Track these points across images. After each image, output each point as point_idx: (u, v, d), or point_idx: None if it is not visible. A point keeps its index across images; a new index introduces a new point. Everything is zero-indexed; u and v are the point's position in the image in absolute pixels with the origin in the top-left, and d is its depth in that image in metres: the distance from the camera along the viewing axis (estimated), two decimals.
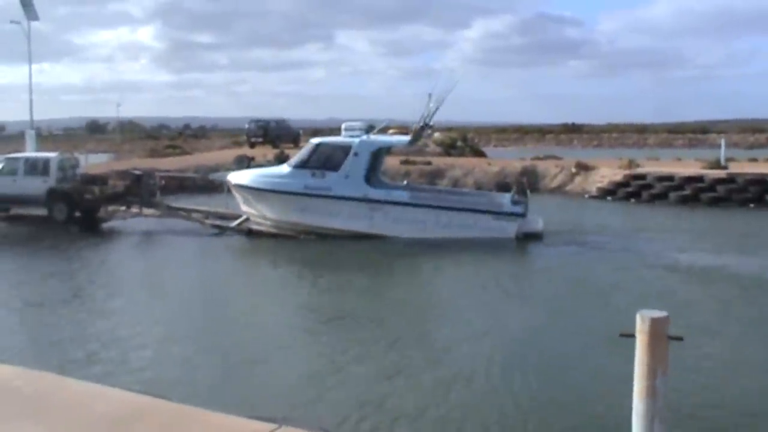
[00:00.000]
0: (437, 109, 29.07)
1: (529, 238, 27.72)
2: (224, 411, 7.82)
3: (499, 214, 27.79)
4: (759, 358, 14.25)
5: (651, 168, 44.54)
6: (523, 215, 27.91)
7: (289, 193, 28.65)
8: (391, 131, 33.43)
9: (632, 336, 6.48)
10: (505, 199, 28.77)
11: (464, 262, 24.76)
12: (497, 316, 18.10)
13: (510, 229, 27.49)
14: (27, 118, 50.24)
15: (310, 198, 28.39)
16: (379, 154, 30.12)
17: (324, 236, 27.99)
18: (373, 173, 29.76)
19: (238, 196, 30.56)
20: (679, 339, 6.47)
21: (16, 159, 32.61)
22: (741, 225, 32.18)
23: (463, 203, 28.92)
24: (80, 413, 7.66)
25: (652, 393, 6.38)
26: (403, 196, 28.84)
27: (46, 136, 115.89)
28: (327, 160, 28.77)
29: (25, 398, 7.96)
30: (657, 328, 6.35)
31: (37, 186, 30.81)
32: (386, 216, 27.99)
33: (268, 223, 29.40)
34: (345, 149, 28.65)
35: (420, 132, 30.07)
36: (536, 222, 28.74)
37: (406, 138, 30.66)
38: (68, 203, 31.11)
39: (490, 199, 30.07)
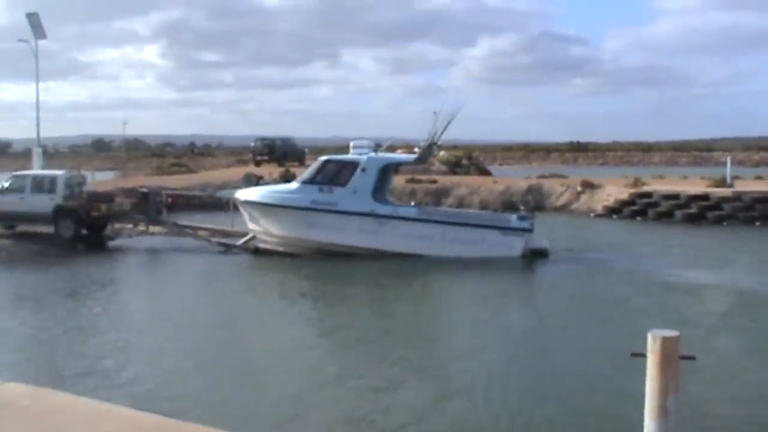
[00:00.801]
0: (445, 128, 29.10)
1: (536, 255, 27.70)
2: (232, 430, 7.80)
3: (506, 229, 27.75)
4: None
5: (657, 186, 44.51)
6: (530, 230, 27.87)
7: (296, 208, 28.67)
8: (399, 150, 33.48)
9: (643, 356, 6.45)
10: (512, 216, 28.74)
11: (472, 279, 24.80)
12: (504, 333, 18.07)
13: (517, 244, 27.44)
14: (33, 135, 50.18)
15: (317, 213, 28.41)
16: (387, 171, 30.13)
17: (330, 254, 27.96)
18: (381, 192, 29.80)
19: (245, 214, 30.58)
20: (692, 358, 6.45)
21: (23, 176, 32.66)
22: (747, 243, 32.08)
23: (470, 218, 28.94)
24: (88, 431, 7.64)
25: (663, 413, 6.35)
26: (410, 211, 28.91)
27: (52, 154, 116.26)
28: (335, 175, 28.79)
29: (33, 416, 7.93)
30: (668, 348, 6.33)
31: (44, 203, 30.84)
32: (393, 231, 27.96)
33: (275, 240, 29.37)
34: (353, 165, 28.70)
35: (428, 150, 30.11)
36: (542, 239, 28.69)
37: (413, 156, 30.71)
38: (75, 221, 31.16)
39: (497, 216, 30.04)
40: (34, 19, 48.76)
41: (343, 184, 28.42)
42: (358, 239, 28.12)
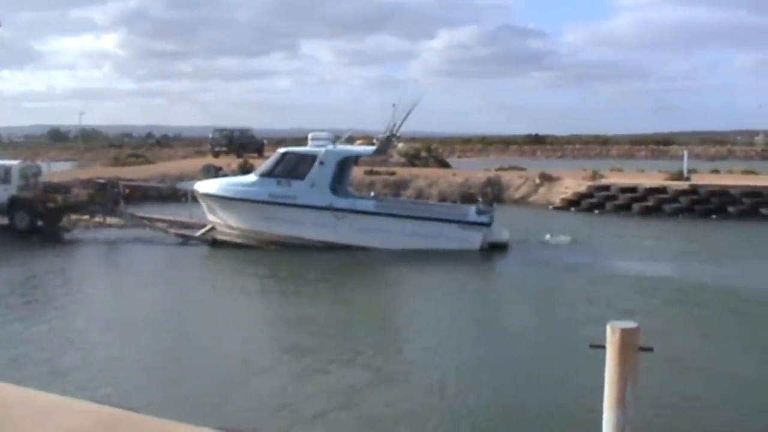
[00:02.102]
0: (404, 120, 29.10)
1: (495, 248, 27.78)
2: (191, 422, 7.75)
3: (464, 223, 27.81)
4: (726, 366, 14.38)
5: (615, 179, 44.86)
6: (488, 225, 27.93)
7: (254, 201, 28.57)
8: (358, 142, 33.42)
9: (602, 347, 6.48)
10: (470, 209, 28.79)
11: (428, 271, 24.85)
12: (461, 325, 18.22)
13: (475, 238, 27.54)
14: None
15: (275, 206, 28.36)
16: (345, 164, 30.08)
17: (288, 246, 27.91)
18: (340, 184, 29.79)
19: (203, 205, 30.44)
20: (649, 350, 6.48)
21: None
22: (704, 235, 32.41)
23: (428, 212, 28.88)
24: (46, 425, 7.57)
25: (622, 403, 6.38)
26: (368, 205, 28.85)
27: (6, 144, 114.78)
28: (293, 169, 28.74)
29: None
30: (627, 339, 6.36)
31: None
32: (351, 225, 27.95)
33: (234, 232, 29.26)
34: (311, 158, 28.62)
35: (387, 142, 30.10)
36: (501, 232, 28.75)
37: (372, 148, 30.66)
38: (30, 212, 30.77)
39: (456, 209, 30.00)
40: None
41: (302, 177, 28.38)
42: (316, 233, 28.09)
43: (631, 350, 6.38)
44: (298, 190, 28.28)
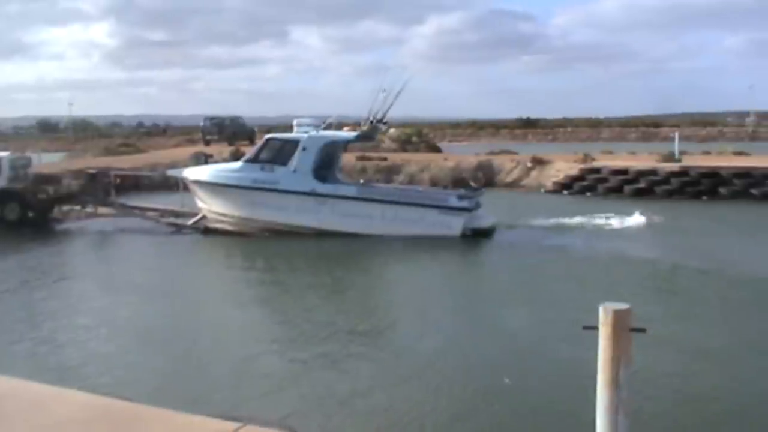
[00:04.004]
0: (390, 105, 29.09)
1: (479, 234, 27.64)
2: (187, 410, 7.75)
3: (444, 208, 27.70)
4: (720, 348, 14.45)
5: (606, 162, 45.06)
6: (469, 210, 27.82)
7: (238, 187, 28.68)
8: (346, 128, 33.35)
9: (595, 328, 6.49)
10: (451, 195, 28.77)
11: (413, 258, 25.02)
12: (451, 313, 18.21)
13: (456, 224, 27.40)
14: None
15: (258, 192, 28.47)
16: (332, 150, 30.08)
17: (278, 233, 27.96)
18: (329, 170, 29.79)
19: (193, 193, 30.46)
20: (642, 331, 6.49)
21: None
22: (695, 217, 32.44)
23: (408, 198, 28.76)
24: (38, 416, 7.55)
25: (615, 384, 6.39)
26: (350, 190, 28.90)
27: None
28: (276, 154, 28.82)
29: None
30: (620, 320, 6.37)
31: None
32: (333, 210, 27.99)
33: (224, 220, 29.28)
34: (294, 144, 28.68)
35: (374, 128, 30.05)
36: (485, 218, 28.63)
37: (354, 134, 30.63)
38: (21, 203, 30.70)
39: (437, 194, 29.98)
40: None
41: (285, 163, 28.42)
42: (298, 218, 28.15)
43: (623, 331, 6.39)
44: (280, 175, 28.36)
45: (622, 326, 6.38)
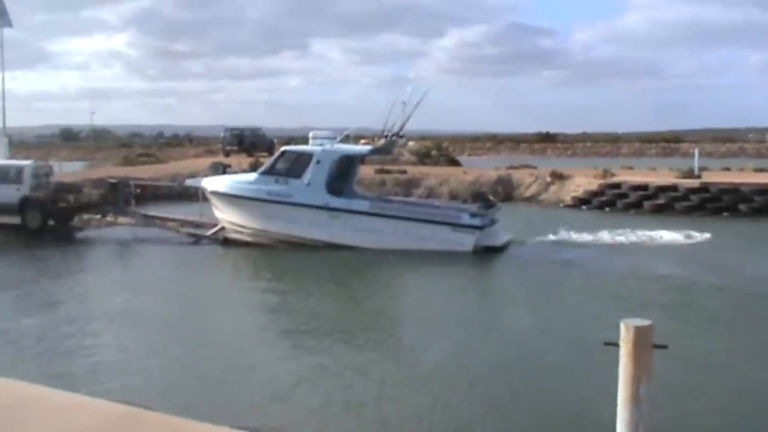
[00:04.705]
0: (408, 119, 29.08)
1: (490, 251, 27.43)
2: (209, 421, 7.78)
3: (456, 225, 27.56)
4: (739, 364, 14.36)
5: (626, 177, 44.77)
6: (481, 228, 27.64)
7: (252, 199, 28.74)
8: (363, 141, 33.38)
9: (616, 345, 6.48)
10: (464, 212, 28.62)
11: (425, 274, 24.96)
12: (468, 329, 18.11)
13: (467, 241, 27.28)
14: None
15: (272, 204, 28.51)
16: (346, 162, 30.10)
17: (295, 245, 27.97)
18: (345, 183, 29.91)
19: (211, 203, 30.56)
20: (664, 347, 6.49)
21: None
22: (715, 233, 32.24)
23: (420, 214, 28.60)
24: (59, 423, 7.60)
25: (636, 400, 6.39)
26: (362, 205, 28.77)
27: (18, 144, 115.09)
28: (291, 167, 28.87)
29: (4, 409, 7.88)
30: (641, 337, 6.37)
31: (10, 194, 30.48)
32: (345, 225, 28.00)
33: (243, 231, 29.32)
34: (308, 157, 28.73)
35: (391, 142, 30.02)
36: (499, 235, 28.53)
37: (368, 147, 30.63)
38: (42, 212, 30.85)
39: (449, 210, 29.73)
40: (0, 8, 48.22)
41: (299, 176, 28.45)
42: (311, 231, 28.20)
43: (645, 347, 6.38)
44: (294, 188, 28.42)
45: (644, 342, 6.38)
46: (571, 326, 17.22)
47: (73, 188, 33.78)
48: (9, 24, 49.68)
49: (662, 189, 40.75)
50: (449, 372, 13.98)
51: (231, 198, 29.42)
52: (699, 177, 43.24)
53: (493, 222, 28.31)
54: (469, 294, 22.81)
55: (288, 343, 16.56)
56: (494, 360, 14.87)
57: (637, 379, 6.37)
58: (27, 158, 40.20)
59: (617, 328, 6.65)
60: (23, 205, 30.60)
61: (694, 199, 39.56)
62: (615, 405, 6.67)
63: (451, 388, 12.98)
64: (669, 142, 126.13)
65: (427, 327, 17.78)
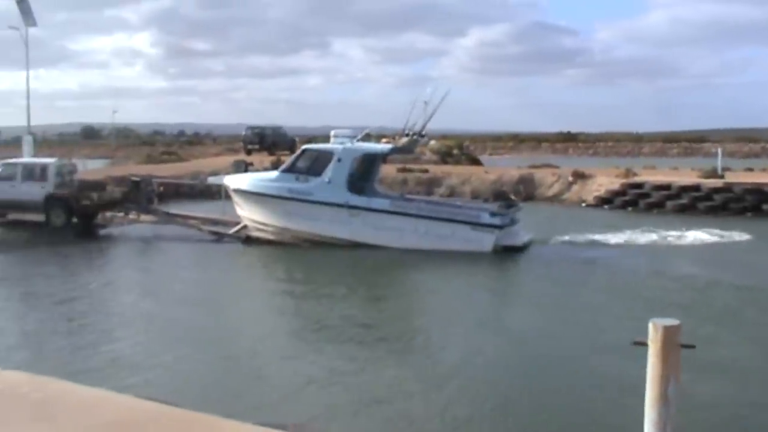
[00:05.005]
0: (430, 118, 29.11)
1: (510, 251, 27.29)
2: (234, 417, 7.81)
3: (476, 224, 27.45)
4: (763, 366, 14.31)
5: (648, 177, 44.66)
6: (500, 227, 27.51)
7: (274, 196, 28.82)
8: (384, 140, 33.41)
9: (645, 344, 6.48)
10: (484, 211, 28.54)
11: (446, 273, 24.86)
12: (491, 329, 18.10)
13: (487, 240, 27.15)
14: (21, 123, 50.18)
15: (293, 202, 28.58)
16: (367, 161, 30.24)
17: (317, 244, 28.02)
18: (366, 181, 30.01)
19: (233, 200, 30.68)
20: (692, 347, 6.48)
21: (14, 165, 32.56)
22: (738, 233, 32.07)
23: (440, 213, 28.52)
24: (88, 419, 7.63)
25: (664, 400, 6.38)
26: (382, 203, 28.79)
27: (41, 142, 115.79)
28: (312, 165, 28.94)
29: (32, 404, 7.93)
30: (669, 337, 6.36)
31: (35, 192, 30.75)
32: (365, 223, 28.00)
33: (264, 228, 29.40)
34: (329, 155, 28.79)
35: (413, 141, 29.97)
36: (520, 235, 28.40)
37: (389, 146, 30.64)
38: (66, 209, 31.10)
39: (469, 209, 29.56)
40: (24, 6, 48.67)
41: (319, 174, 28.50)
42: (331, 229, 28.22)
43: (673, 347, 6.37)
44: (315, 186, 28.47)
45: (672, 342, 6.37)
46: (592, 326, 17.19)
47: (97, 186, 33.98)
48: (34, 23, 50.20)
49: (685, 189, 40.61)
50: (470, 371, 13.97)
51: (252, 195, 29.52)
52: (722, 177, 43.08)
53: (513, 221, 28.24)
54: (488, 293, 22.78)
55: (307, 340, 16.58)
56: (514, 359, 14.87)
57: (665, 379, 6.36)
58: (50, 156, 40.54)
59: (638, 328, 6.67)
60: (48, 203, 30.86)
61: (718, 198, 39.39)
62: (642, 405, 6.67)
63: (472, 388, 12.98)
64: (691, 142, 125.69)
65: (447, 326, 17.75)
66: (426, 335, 17.43)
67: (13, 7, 48.73)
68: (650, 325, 6.47)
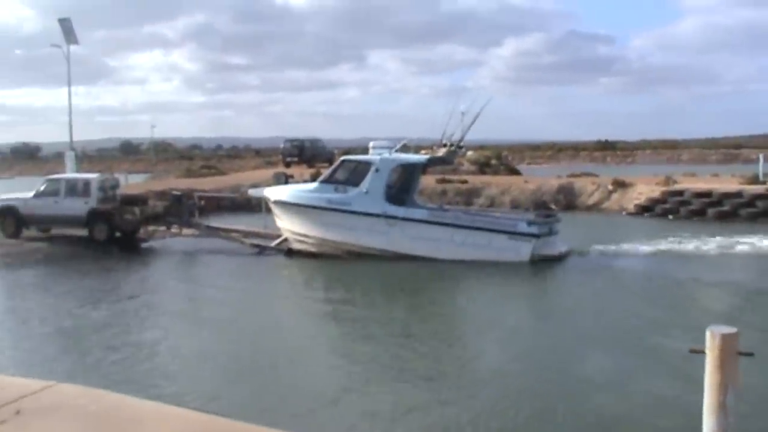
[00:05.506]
0: (469, 128, 29.05)
1: (551, 260, 27.06)
2: (288, 429, 7.84)
3: (513, 234, 27.29)
4: None
5: (688, 184, 44.27)
6: (538, 236, 27.32)
7: (312, 207, 28.95)
8: (423, 151, 33.37)
9: (702, 352, 6.45)
10: (521, 220, 28.41)
11: (481, 280, 24.85)
12: (540, 339, 18.02)
13: (524, 250, 26.96)
14: (61, 139, 50.91)
15: (331, 212, 28.64)
16: (406, 171, 30.37)
17: (360, 256, 28.08)
18: (406, 192, 30.16)
19: (273, 212, 30.82)
20: (750, 355, 6.44)
21: (58, 180, 32.85)
22: None
23: (477, 222, 28.40)
24: (139, 431, 7.70)
25: (722, 409, 6.34)
26: (419, 213, 28.77)
27: (81, 157, 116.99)
28: (350, 175, 29.02)
29: (89, 416, 8.01)
30: (727, 344, 6.33)
31: (78, 207, 31.05)
32: (402, 233, 27.95)
33: (304, 240, 29.50)
34: (367, 165, 28.85)
35: (452, 153, 29.90)
36: (558, 245, 28.15)
37: (426, 156, 30.59)
38: (109, 224, 31.36)
39: (507, 219, 29.47)
40: (66, 25, 49.28)
41: (357, 184, 28.57)
42: (368, 240, 28.25)
43: (731, 355, 6.34)
44: (353, 196, 28.52)
45: (730, 350, 6.34)
46: (631, 333, 17.05)
47: (139, 200, 34.24)
48: (75, 41, 50.82)
49: (726, 196, 40.19)
50: (507, 380, 14.00)
51: (291, 206, 29.64)
52: (764, 183, 42.64)
53: (552, 231, 28.01)
54: (525, 302, 22.68)
55: (345, 350, 16.74)
56: (553, 370, 14.72)
57: (723, 387, 6.33)
58: (90, 171, 40.93)
59: (680, 336, 6.64)
60: (91, 218, 31.14)
61: (760, 205, 38.91)
62: (699, 414, 6.63)
63: (510, 397, 12.94)
64: (730, 149, 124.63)
65: (485, 335, 17.74)
66: (463, 344, 17.47)
67: (55, 26, 49.40)
68: (707, 333, 6.44)
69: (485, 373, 14.60)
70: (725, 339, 6.32)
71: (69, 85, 51.08)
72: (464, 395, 13.13)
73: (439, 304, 22.86)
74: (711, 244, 29.88)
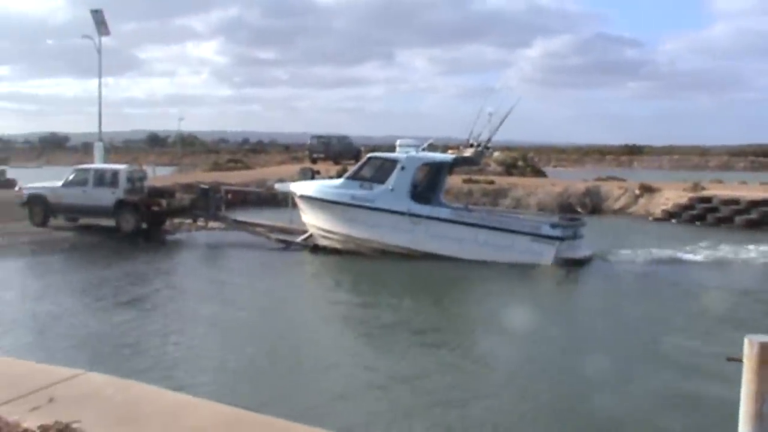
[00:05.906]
0: (497, 129, 28.97)
1: (571, 264, 26.75)
2: (313, 424, 7.83)
3: (536, 236, 27.08)
4: None
5: (716, 191, 44.03)
6: (562, 239, 27.09)
7: (336, 203, 28.97)
8: (450, 151, 33.31)
9: (740, 360, 6.37)
10: (545, 223, 28.30)
11: (503, 282, 24.79)
12: (568, 344, 17.91)
13: (547, 252, 26.72)
14: (90, 130, 51.14)
15: (355, 209, 28.62)
16: (432, 170, 30.38)
17: (385, 253, 28.04)
18: (432, 192, 30.14)
19: (299, 207, 30.85)
20: None
21: (86, 170, 33.01)
22: None
23: (501, 223, 28.29)
24: (171, 423, 7.74)
25: (759, 418, 6.25)
26: (443, 212, 28.69)
27: (108, 148, 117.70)
28: (376, 173, 28.99)
29: (116, 406, 8.05)
30: (765, 353, 6.23)
31: (106, 197, 31.21)
32: (426, 231, 27.86)
33: (328, 236, 29.50)
34: (393, 163, 28.80)
35: (479, 153, 29.81)
36: (582, 248, 27.91)
37: (452, 156, 30.50)
38: (136, 215, 31.48)
39: (531, 221, 29.38)
40: (98, 16, 49.55)
41: (383, 182, 28.54)
42: (392, 237, 28.19)
43: None
44: (377, 194, 28.48)
45: None
46: (650, 337, 16.92)
47: (166, 193, 34.38)
48: (107, 32, 51.14)
49: (755, 203, 39.90)
50: (526, 380, 13.99)
51: (316, 201, 29.67)
52: None
53: (576, 234, 27.81)
54: (547, 304, 22.41)
55: (366, 347, 16.78)
56: (574, 371, 14.62)
57: (760, 396, 6.24)
58: (118, 162, 41.12)
59: (705, 342, 6.56)
60: (118, 209, 31.28)
61: None
62: (735, 424, 6.56)
63: (528, 397, 12.94)
64: (758, 156, 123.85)
65: (504, 337, 17.57)
66: (482, 343, 17.39)
67: (86, 16, 49.67)
68: (745, 341, 6.35)
69: (503, 375, 14.52)
70: (763, 348, 6.23)
71: (99, 76, 51.29)
72: (483, 395, 13.09)
73: (457, 303, 22.86)
74: (741, 252, 29.65)
